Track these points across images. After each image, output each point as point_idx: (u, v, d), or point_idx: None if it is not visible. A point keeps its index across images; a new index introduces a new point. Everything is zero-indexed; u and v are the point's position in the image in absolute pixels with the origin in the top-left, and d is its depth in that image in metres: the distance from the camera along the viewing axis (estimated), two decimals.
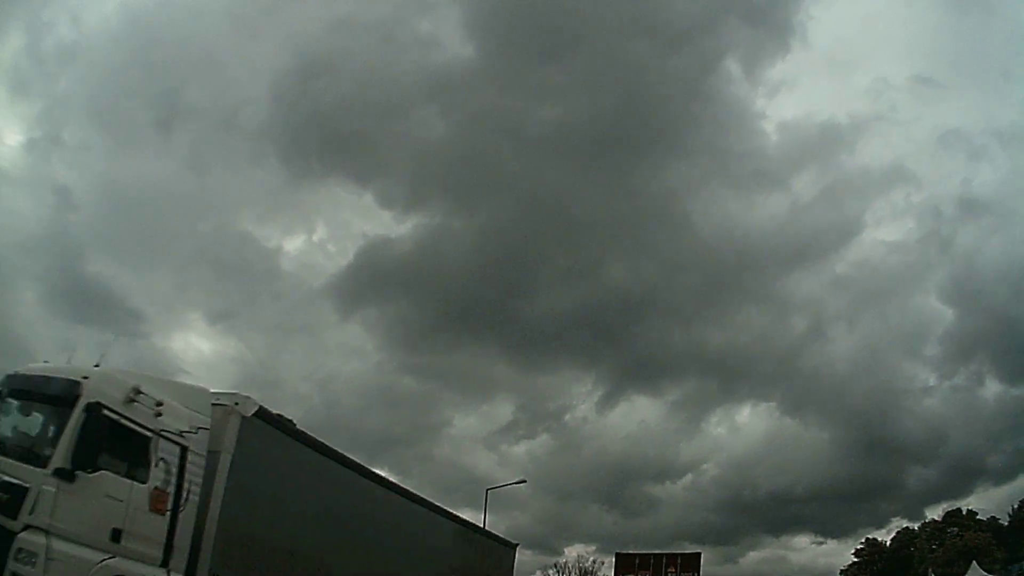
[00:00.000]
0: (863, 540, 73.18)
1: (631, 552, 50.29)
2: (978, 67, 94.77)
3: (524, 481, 45.42)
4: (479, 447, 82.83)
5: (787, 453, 79.23)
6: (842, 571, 73.39)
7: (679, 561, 47.53)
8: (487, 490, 39.83)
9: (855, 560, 73.07)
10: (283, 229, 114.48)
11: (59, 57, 74.06)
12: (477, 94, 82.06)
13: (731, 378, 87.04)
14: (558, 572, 66.82)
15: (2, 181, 67.63)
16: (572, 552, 68.55)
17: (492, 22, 79.89)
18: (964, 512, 64.18)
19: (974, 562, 45.92)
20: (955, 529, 62.05)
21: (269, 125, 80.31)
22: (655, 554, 48.26)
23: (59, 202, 71.18)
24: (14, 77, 70.92)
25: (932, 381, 79.57)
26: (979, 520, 63.19)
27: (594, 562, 66.20)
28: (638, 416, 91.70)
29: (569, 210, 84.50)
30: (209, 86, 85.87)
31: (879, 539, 72.67)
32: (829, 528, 79.52)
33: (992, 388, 76.56)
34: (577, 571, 66.66)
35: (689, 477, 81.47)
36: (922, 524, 66.99)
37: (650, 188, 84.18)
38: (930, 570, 49.77)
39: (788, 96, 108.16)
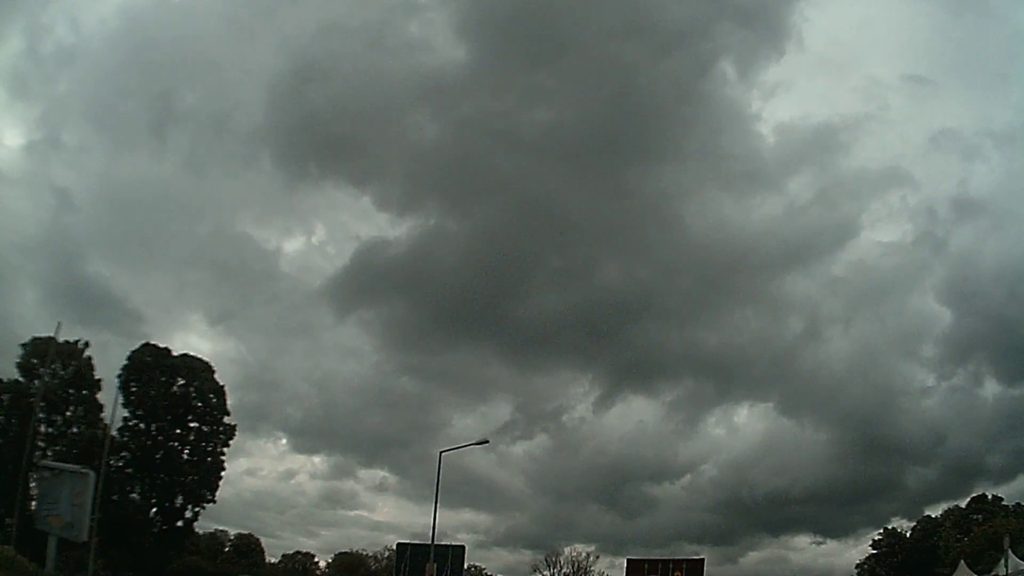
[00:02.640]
0: (881, 530, 70.24)
1: (640, 558, 53.22)
2: (973, 67, 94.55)
3: (487, 441, 45.79)
4: (477, 447, 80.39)
5: (785, 454, 79.17)
6: (858, 565, 70.82)
7: (685, 566, 50.30)
8: (440, 452, 39.11)
9: (872, 552, 69.76)
10: (282, 231, 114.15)
11: (58, 60, 72.24)
12: (469, 97, 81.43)
13: (728, 379, 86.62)
14: (551, 568, 64.05)
15: (2, 183, 65.44)
16: (571, 552, 66.40)
17: (483, 25, 78.72)
18: (990, 498, 60.99)
19: (1009, 549, 42.55)
20: (979, 516, 58.95)
21: (265, 128, 79.22)
22: (663, 560, 51.19)
23: (58, 203, 69.71)
24: (14, 79, 68.76)
25: (930, 382, 79.20)
26: (1004, 506, 60.03)
27: (587, 557, 63.54)
28: (635, 417, 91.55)
29: (564, 212, 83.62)
30: (205, 89, 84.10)
31: (899, 528, 69.40)
32: (828, 528, 77.86)
33: (990, 388, 75.47)
34: (571, 567, 63.92)
35: (687, 477, 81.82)
36: (946, 511, 64.02)
37: (644, 190, 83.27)
38: (962, 560, 46.31)
39: (783, 98, 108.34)
